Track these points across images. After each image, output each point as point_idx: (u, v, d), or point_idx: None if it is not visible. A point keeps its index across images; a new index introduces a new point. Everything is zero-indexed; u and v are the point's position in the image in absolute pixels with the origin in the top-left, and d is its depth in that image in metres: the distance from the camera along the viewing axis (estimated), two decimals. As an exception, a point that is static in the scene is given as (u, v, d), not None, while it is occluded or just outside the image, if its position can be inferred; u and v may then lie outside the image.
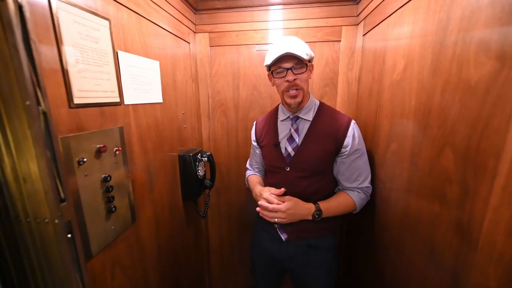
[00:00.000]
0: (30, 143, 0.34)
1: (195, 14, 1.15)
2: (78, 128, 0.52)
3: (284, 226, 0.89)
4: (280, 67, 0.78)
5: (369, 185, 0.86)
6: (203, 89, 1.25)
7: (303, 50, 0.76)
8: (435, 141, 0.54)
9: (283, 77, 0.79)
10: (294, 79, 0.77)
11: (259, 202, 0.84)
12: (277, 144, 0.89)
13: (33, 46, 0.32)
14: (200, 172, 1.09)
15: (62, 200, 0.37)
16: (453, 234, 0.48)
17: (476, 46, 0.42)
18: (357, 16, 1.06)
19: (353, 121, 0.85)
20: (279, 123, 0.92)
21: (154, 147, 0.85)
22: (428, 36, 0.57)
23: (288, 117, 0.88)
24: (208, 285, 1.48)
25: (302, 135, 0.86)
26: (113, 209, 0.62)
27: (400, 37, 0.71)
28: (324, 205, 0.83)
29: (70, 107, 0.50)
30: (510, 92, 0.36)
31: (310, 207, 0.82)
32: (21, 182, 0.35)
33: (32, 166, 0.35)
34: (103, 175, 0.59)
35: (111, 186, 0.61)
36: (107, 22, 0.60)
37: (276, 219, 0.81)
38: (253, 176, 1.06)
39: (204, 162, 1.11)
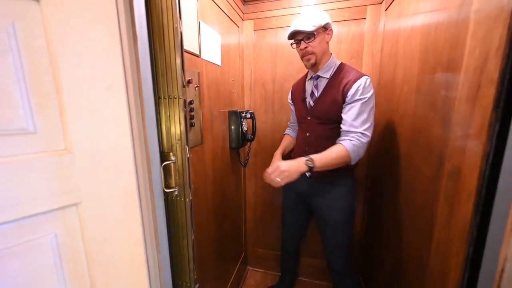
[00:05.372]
0: (173, 51, 0.63)
1: (244, 4, 1.46)
2: (180, 62, 0.83)
3: None
4: (295, 40, 1.02)
5: (365, 132, 0.92)
6: (247, 66, 1.54)
7: (308, 24, 0.93)
8: (431, 68, 0.72)
9: (298, 47, 1.02)
10: (305, 47, 0.99)
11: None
12: (304, 99, 1.12)
13: (181, 3, 0.62)
14: (244, 127, 1.36)
15: (183, 86, 0.66)
16: (440, 130, 0.65)
17: (452, -12, 0.61)
18: (380, -4, 1.24)
19: (365, 77, 0.94)
20: (306, 82, 1.15)
21: (215, 96, 1.14)
22: (427, -7, 0.75)
23: (312, 76, 1.10)
24: (243, 234, 1.73)
25: (320, 90, 1.06)
26: (193, 124, 0.91)
27: (411, 2, 0.89)
28: (314, 155, 0.91)
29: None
30: (468, 16, 0.54)
31: (299, 159, 0.91)
32: (166, 73, 0.65)
33: (172, 63, 0.64)
34: (189, 99, 0.89)
35: (193, 108, 0.90)
36: (195, 0, 0.91)
37: (278, 179, 0.90)
38: (285, 136, 1.32)
39: (247, 119, 1.38)
